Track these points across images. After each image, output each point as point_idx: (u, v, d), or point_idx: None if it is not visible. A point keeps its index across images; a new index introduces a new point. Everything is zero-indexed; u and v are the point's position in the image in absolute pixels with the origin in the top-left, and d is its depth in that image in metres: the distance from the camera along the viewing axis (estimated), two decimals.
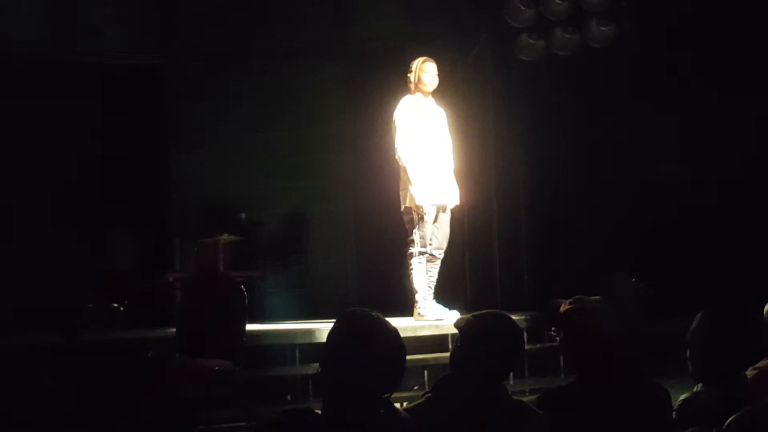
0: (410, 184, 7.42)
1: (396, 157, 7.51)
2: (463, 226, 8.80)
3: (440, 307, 7.61)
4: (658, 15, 8.54)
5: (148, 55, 10.35)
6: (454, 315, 7.35)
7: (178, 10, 10.38)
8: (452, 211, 7.71)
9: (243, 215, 9.90)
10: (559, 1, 8.82)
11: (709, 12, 8.41)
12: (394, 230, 8.23)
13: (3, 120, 9.02)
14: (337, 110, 10.52)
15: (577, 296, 3.60)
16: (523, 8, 8.95)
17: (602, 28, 8.80)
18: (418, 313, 7.58)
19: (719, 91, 8.38)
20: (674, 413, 3.58)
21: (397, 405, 3.11)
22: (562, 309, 3.57)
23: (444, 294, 7.77)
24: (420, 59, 7.63)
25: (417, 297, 7.60)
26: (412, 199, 7.45)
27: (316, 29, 10.42)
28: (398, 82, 7.96)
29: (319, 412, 2.92)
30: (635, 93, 8.81)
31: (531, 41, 9.06)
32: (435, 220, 7.57)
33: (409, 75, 7.62)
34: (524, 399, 3.52)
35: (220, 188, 10.15)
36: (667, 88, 8.67)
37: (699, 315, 3.71)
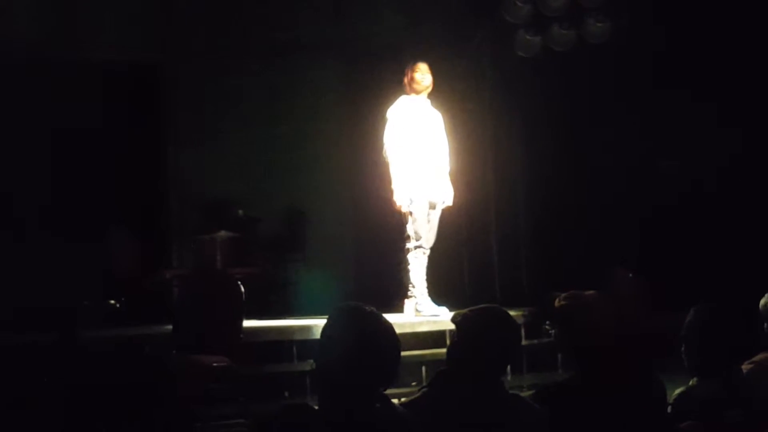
0: (391, 181, 7.50)
1: (383, 153, 7.59)
2: (461, 222, 8.80)
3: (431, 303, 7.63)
4: (655, 10, 8.54)
5: (146, 52, 10.32)
6: (443, 311, 7.40)
7: (177, 8, 10.35)
8: (444, 211, 7.74)
9: (240, 211, 9.89)
10: None
11: (708, 8, 8.42)
12: (393, 226, 8.23)
13: (1, 119, 9.01)
14: (336, 107, 10.51)
15: (572, 291, 3.61)
16: (519, 4, 8.95)
17: (599, 24, 8.80)
18: (416, 309, 7.59)
19: (715, 87, 8.38)
20: (670, 407, 3.59)
21: (395, 401, 3.12)
22: (556, 304, 3.58)
23: (442, 290, 7.78)
24: (412, 61, 7.72)
25: (414, 292, 7.61)
26: (394, 196, 7.53)
27: (315, 26, 10.41)
28: (396, 79, 7.98)
29: (316, 407, 2.93)
30: (633, 88, 8.81)
31: (528, 37, 9.06)
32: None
33: (403, 78, 7.70)
34: (522, 394, 3.52)
35: (218, 185, 10.12)
36: (664, 83, 8.67)
37: (694, 309, 3.73)
